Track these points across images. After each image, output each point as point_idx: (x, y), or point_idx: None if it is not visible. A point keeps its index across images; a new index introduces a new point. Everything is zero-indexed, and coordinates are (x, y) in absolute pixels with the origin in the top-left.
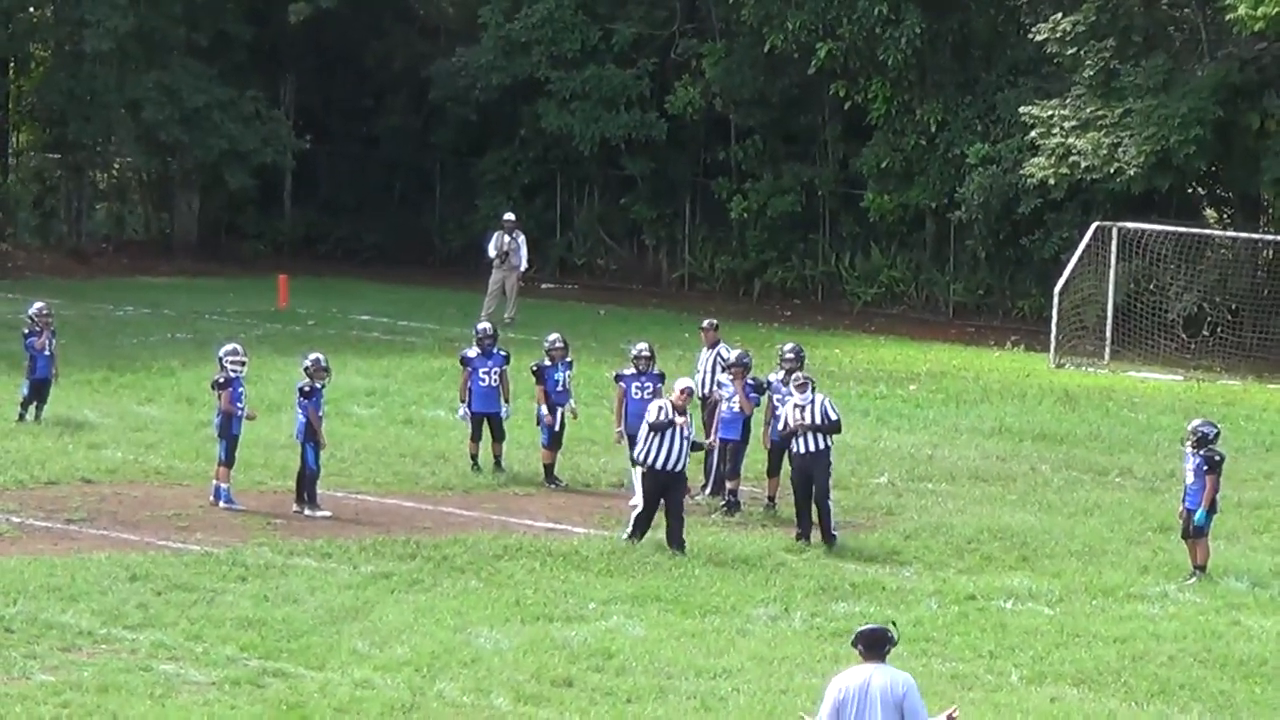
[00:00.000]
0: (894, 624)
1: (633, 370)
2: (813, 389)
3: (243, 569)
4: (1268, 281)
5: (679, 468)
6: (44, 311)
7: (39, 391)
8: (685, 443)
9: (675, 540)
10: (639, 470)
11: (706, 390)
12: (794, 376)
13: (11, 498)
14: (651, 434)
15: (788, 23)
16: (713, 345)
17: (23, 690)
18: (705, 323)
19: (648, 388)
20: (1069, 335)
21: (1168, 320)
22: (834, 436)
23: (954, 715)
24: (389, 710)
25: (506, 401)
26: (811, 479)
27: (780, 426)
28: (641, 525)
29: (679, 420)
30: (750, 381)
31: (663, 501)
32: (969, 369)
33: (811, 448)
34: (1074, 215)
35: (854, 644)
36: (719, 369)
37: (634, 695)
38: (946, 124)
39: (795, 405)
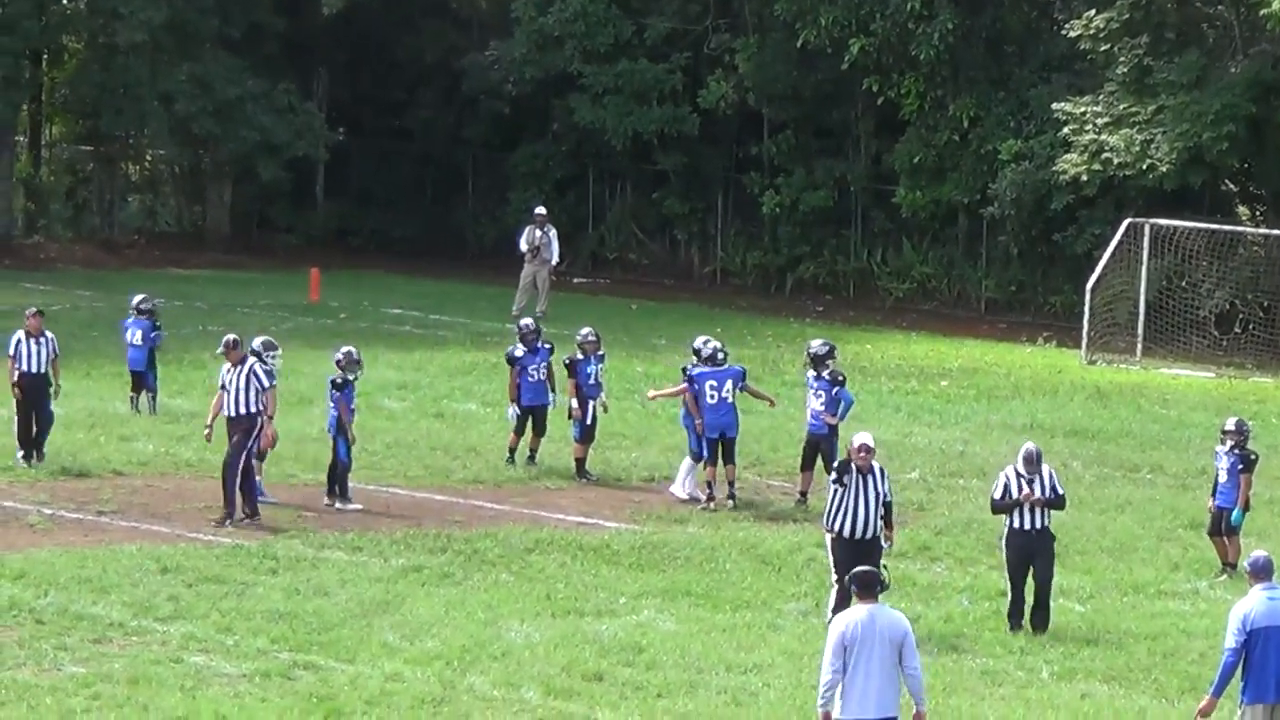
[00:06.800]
0: (885, 567)
1: (704, 368)
2: (1040, 460)
3: (274, 562)
4: None
5: (866, 534)
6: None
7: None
8: (876, 504)
9: None
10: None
11: (240, 410)
12: (1025, 451)
13: (43, 489)
14: (833, 490)
15: (820, 18)
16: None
17: (54, 681)
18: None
19: (724, 384)
20: (1101, 332)
21: (1199, 317)
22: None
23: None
24: (419, 703)
25: (554, 391)
26: (1031, 562)
27: (999, 495)
28: (840, 605)
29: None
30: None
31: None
32: (1001, 365)
33: (1036, 524)
34: (1106, 212)
35: (849, 583)
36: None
37: (664, 690)
38: (979, 120)
39: (1019, 475)
